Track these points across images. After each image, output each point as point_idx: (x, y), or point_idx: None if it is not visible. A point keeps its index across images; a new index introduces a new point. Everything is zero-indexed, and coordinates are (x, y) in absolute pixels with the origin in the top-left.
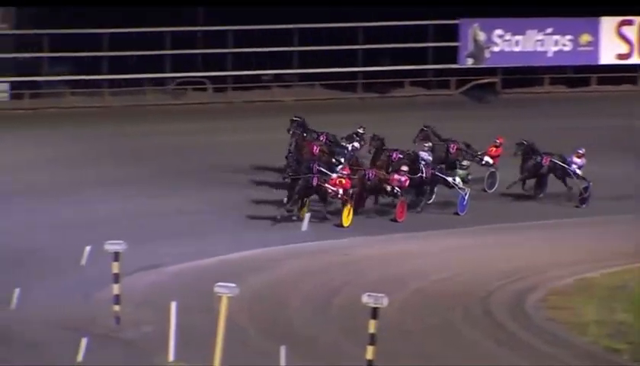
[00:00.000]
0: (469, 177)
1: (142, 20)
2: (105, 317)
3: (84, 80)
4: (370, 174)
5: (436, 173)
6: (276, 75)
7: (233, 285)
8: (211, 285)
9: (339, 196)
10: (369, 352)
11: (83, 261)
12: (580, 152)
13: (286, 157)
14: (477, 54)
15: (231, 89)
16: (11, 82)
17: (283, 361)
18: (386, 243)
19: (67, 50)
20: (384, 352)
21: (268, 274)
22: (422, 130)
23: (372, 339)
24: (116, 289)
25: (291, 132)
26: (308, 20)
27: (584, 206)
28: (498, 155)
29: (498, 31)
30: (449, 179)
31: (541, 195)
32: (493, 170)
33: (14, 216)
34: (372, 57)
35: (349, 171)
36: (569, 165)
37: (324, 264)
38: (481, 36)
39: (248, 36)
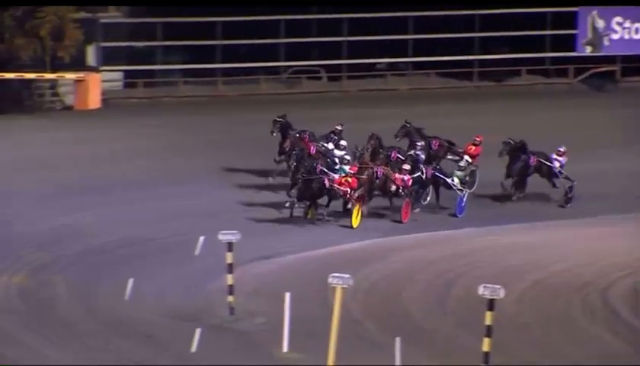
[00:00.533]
0: (467, 178)
1: (255, 9)
2: (219, 307)
3: (197, 69)
4: (379, 173)
5: (436, 173)
6: (390, 63)
7: (347, 276)
8: (324, 276)
9: (349, 196)
10: (486, 344)
11: (197, 251)
12: (561, 150)
13: (279, 158)
14: (595, 42)
15: (345, 78)
16: (125, 71)
17: (397, 353)
18: (499, 234)
19: (181, 39)
20: (500, 344)
21: (382, 265)
22: (403, 126)
23: (489, 331)
24: (229, 279)
25: (275, 133)
26: (424, 7)
27: (568, 206)
28: (478, 154)
29: (617, 19)
30: (449, 180)
31: (520, 195)
32: (473, 169)
33: (129, 207)
34: (488, 45)
35: (356, 170)
36: (552, 163)
37: (439, 256)
38: (600, 23)
39: (363, 25)
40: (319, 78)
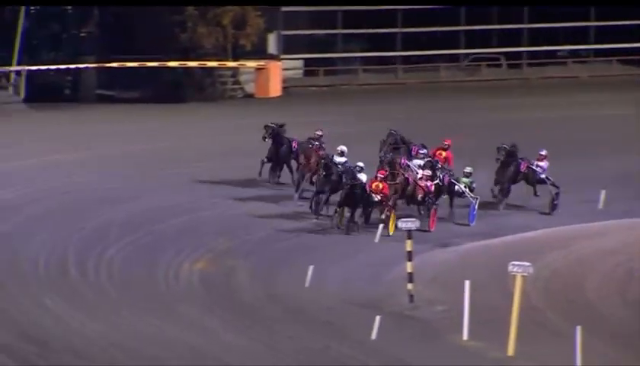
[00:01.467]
0: (474, 184)
1: None
2: (398, 295)
3: (377, 57)
4: (409, 180)
5: (452, 180)
6: (572, 50)
7: (528, 264)
8: (503, 264)
9: (384, 203)
10: None
11: (376, 239)
12: (542, 153)
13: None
14: None
15: (526, 65)
16: (305, 59)
17: (578, 342)
18: None
19: (360, 27)
20: None
21: (562, 254)
22: (390, 133)
23: None
24: (409, 267)
25: (266, 139)
26: None
27: (554, 213)
28: (450, 158)
29: None
30: (462, 187)
31: (504, 202)
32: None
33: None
34: None
35: (384, 174)
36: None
37: (619, 244)
38: None
39: (544, 13)
40: (499, 66)
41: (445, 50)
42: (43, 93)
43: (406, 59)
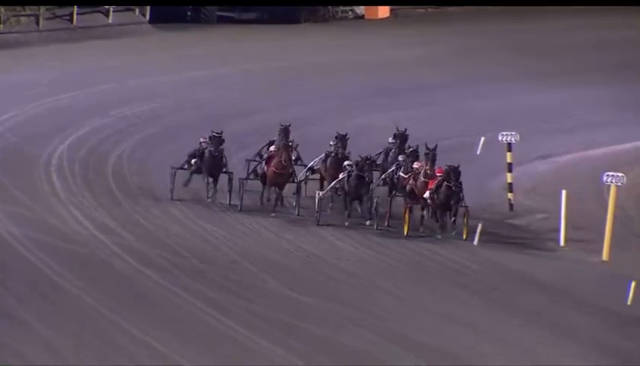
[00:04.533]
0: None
1: None
2: (499, 204)
3: None
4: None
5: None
6: None
7: (621, 175)
8: (599, 175)
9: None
10: None
11: (478, 151)
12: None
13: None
14: None
15: None
16: None
17: None
18: None
19: None
20: None
21: None
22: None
23: None
24: (509, 178)
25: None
26: None
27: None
28: None
29: None
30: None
31: None
32: None
33: (423, 109)
34: None
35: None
36: None
37: None
38: None
39: None
40: None
41: None
42: (167, 15)
43: None
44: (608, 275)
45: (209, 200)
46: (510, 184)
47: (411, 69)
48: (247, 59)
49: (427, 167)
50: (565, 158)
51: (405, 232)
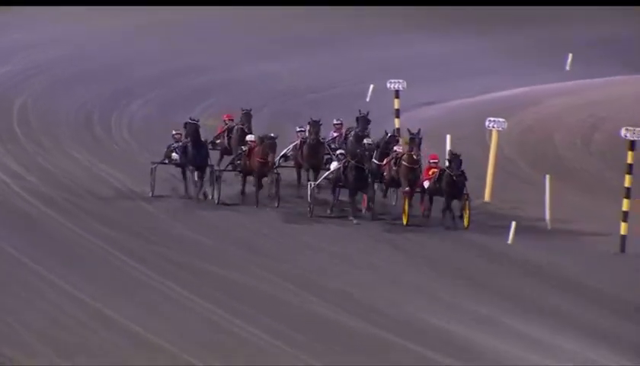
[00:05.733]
0: None
1: None
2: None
3: None
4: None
5: None
6: None
7: (502, 120)
8: (481, 120)
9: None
10: (627, 180)
11: (367, 98)
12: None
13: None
14: None
15: None
16: None
17: (547, 188)
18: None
19: None
20: None
21: (534, 110)
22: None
23: (630, 169)
24: (397, 123)
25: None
26: None
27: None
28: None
29: None
30: None
31: None
32: None
33: (302, 59)
34: None
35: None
36: None
37: (586, 101)
38: None
39: None
40: None
41: None
42: None
43: None
44: (489, 214)
45: (200, 197)
46: (398, 129)
47: (297, 22)
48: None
49: (413, 152)
50: (451, 104)
51: (405, 222)
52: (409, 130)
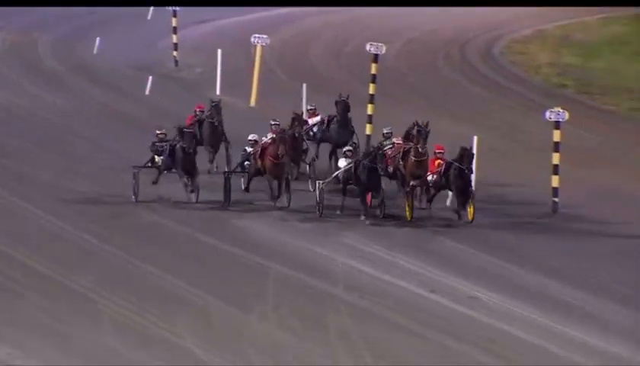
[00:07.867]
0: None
1: None
2: (166, 61)
3: None
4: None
5: None
6: None
7: (265, 36)
8: (248, 36)
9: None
10: (371, 88)
11: (149, 17)
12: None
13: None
14: None
15: None
16: None
17: (304, 96)
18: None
19: None
20: (383, 90)
21: (293, 27)
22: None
23: (374, 79)
24: (174, 38)
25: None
26: None
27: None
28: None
29: None
30: None
31: None
32: None
33: None
34: None
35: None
36: None
37: (337, 21)
38: None
39: None
40: None
41: None
42: None
43: None
44: (255, 116)
45: (193, 200)
46: (176, 44)
47: None
48: None
49: (420, 145)
50: (222, 22)
51: (409, 218)
52: (417, 122)
